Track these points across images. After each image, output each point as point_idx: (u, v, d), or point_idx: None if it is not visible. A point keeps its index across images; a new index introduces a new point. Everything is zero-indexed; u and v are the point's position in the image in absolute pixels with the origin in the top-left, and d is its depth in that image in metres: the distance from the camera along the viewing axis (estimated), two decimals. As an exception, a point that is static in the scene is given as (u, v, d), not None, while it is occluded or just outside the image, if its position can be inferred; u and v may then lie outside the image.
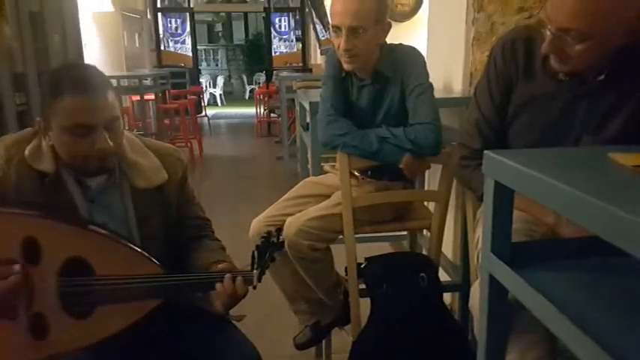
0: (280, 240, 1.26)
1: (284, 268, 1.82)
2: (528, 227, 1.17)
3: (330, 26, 1.67)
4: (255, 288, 1.17)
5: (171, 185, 1.30)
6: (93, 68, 1.19)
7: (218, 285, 1.15)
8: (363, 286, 1.76)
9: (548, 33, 1.07)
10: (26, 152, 1.17)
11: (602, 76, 1.14)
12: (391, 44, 1.73)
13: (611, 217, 0.62)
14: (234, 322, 1.29)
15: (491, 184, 0.89)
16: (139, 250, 1.17)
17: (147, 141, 1.34)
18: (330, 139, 1.69)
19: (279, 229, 1.38)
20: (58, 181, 1.18)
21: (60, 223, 1.13)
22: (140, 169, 1.25)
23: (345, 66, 1.68)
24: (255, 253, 1.19)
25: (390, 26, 1.69)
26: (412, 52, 1.72)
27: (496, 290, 0.91)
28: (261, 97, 8.43)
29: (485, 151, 0.91)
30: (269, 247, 1.21)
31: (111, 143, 1.14)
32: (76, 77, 1.13)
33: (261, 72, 12.89)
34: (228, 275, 1.15)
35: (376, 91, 1.72)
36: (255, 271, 1.17)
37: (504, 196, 0.88)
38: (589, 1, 0.99)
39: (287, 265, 1.80)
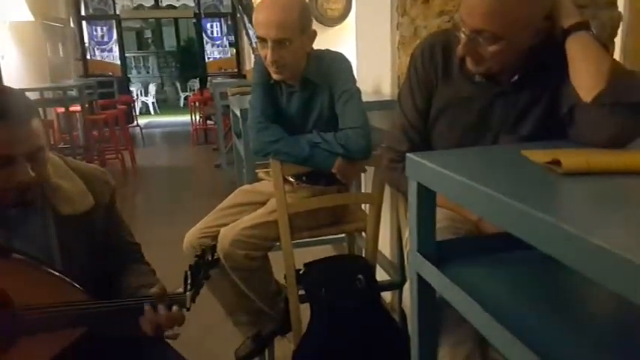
0: (215, 258, 1.23)
1: (221, 280, 1.78)
2: (454, 225, 1.21)
3: (257, 38, 1.65)
4: (188, 310, 1.13)
5: (98, 210, 1.22)
6: (15, 94, 1.09)
7: (148, 310, 1.10)
8: (303, 292, 1.76)
9: (462, 35, 1.12)
10: None
11: (516, 77, 1.19)
12: (317, 51, 1.75)
13: (524, 216, 0.65)
14: (168, 341, 1.25)
15: (414, 185, 0.91)
16: (62, 276, 1.10)
17: (71, 162, 1.25)
18: (261, 146, 1.68)
19: (214, 247, 1.34)
20: None
21: None
22: (64, 194, 1.16)
23: (274, 76, 1.68)
24: (188, 273, 1.15)
25: (315, 34, 1.70)
26: (338, 57, 1.73)
27: (424, 288, 0.94)
28: (196, 104, 8.26)
29: (408, 154, 0.93)
30: (203, 266, 1.17)
31: (33, 174, 1.05)
32: None
33: (195, 78, 12.65)
34: (160, 303, 1.10)
35: (305, 98, 1.73)
36: (188, 293, 1.13)
37: (427, 197, 0.91)
38: (499, 4, 1.04)
39: (224, 277, 1.76)
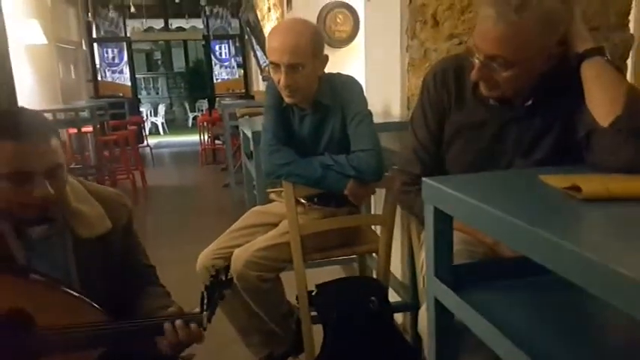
0: (229, 277, 1.24)
1: (234, 301, 1.78)
2: (469, 248, 1.21)
3: (269, 63, 1.68)
4: (205, 330, 1.14)
5: (116, 233, 1.25)
6: (35, 114, 1.14)
7: (167, 328, 1.11)
8: (315, 313, 1.75)
9: (476, 61, 1.13)
10: None
11: (530, 102, 1.20)
12: (329, 74, 1.77)
13: (545, 243, 0.65)
14: (183, 362, 1.25)
15: (431, 210, 0.92)
16: (81, 297, 1.11)
17: (89, 186, 1.28)
18: (273, 168, 1.69)
19: (228, 267, 1.35)
20: None
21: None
22: (83, 217, 1.19)
23: (287, 100, 1.70)
24: (204, 294, 1.16)
25: (327, 59, 1.73)
26: (350, 81, 1.76)
27: (442, 313, 0.94)
28: (205, 124, 8.33)
29: (424, 179, 0.94)
30: (218, 286, 1.19)
31: (52, 191, 1.08)
32: (15, 123, 1.07)
33: (204, 99, 12.78)
34: (179, 321, 1.12)
35: (317, 121, 1.75)
36: (204, 312, 1.14)
37: (444, 222, 0.91)
38: (512, 30, 1.05)
39: (237, 298, 1.76)
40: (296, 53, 1.60)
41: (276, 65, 1.64)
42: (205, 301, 1.16)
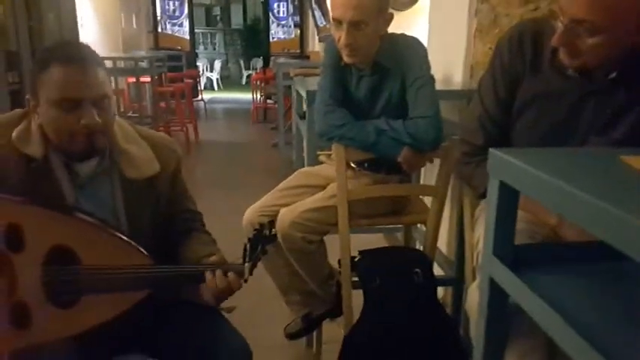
0: (273, 233, 1.22)
1: (277, 259, 1.79)
2: (530, 228, 1.14)
3: (330, 17, 1.61)
4: (246, 281, 1.14)
5: (163, 177, 1.26)
6: (85, 45, 1.17)
7: (208, 276, 1.12)
8: (355, 278, 1.73)
9: (559, 24, 1.03)
10: (14, 134, 1.13)
11: (613, 75, 1.10)
12: (392, 34, 1.69)
13: (620, 223, 0.58)
14: (224, 313, 1.26)
15: (496, 184, 0.85)
16: (127, 239, 1.13)
17: (141, 130, 1.29)
18: (327, 129, 1.65)
19: (272, 222, 1.35)
20: (46, 165, 1.14)
21: (46, 210, 1.09)
22: (131, 158, 1.20)
23: (346, 59, 1.64)
24: (247, 245, 1.16)
25: (392, 17, 1.64)
26: (414, 43, 1.67)
27: (496, 294, 0.88)
28: (258, 82, 8.33)
29: (491, 150, 0.87)
30: (261, 240, 1.18)
31: (98, 120, 1.10)
32: (66, 50, 1.11)
33: (259, 57, 12.76)
34: (219, 270, 1.12)
35: (375, 82, 1.68)
36: (246, 264, 1.13)
37: (509, 197, 0.85)
38: None
39: (280, 257, 1.77)
40: (360, 10, 1.53)
41: (338, 22, 1.58)
42: (248, 252, 1.15)
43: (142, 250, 1.14)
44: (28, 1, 3.66)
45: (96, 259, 1.09)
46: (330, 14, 1.61)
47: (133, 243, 1.13)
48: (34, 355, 1.08)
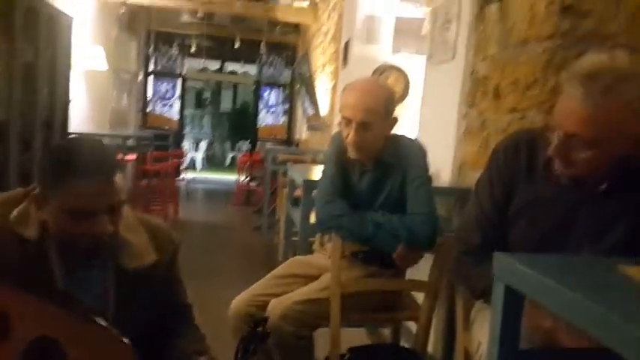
0: (267, 330, 1.19)
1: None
2: (527, 332, 1.13)
3: (341, 117, 1.71)
4: None
5: (159, 267, 1.22)
6: (102, 149, 1.15)
7: None
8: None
9: (555, 137, 1.10)
10: (13, 215, 1.10)
11: (604, 186, 1.15)
12: (395, 135, 1.79)
13: (625, 332, 0.59)
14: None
15: (501, 288, 0.86)
16: (115, 333, 1.08)
17: (142, 217, 1.27)
18: (327, 218, 1.68)
19: (266, 319, 1.30)
20: (40, 248, 1.10)
21: (37, 299, 1.04)
22: (130, 247, 1.17)
23: (351, 155, 1.72)
24: (241, 346, 1.12)
25: (396, 121, 1.75)
26: (415, 144, 1.78)
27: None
28: (245, 164, 8.41)
29: (496, 254, 0.89)
30: (254, 339, 1.14)
31: (111, 227, 1.08)
32: (86, 161, 1.06)
33: (245, 140, 13.03)
34: None
35: (377, 178, 1.75)
36: None
37: (516, 302, 0.85)
38: (598, 111, 1.02)
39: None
40: (369, 112, 1.63)
41: (348, 121, 1.67)
42: (240, 354, 1.11)
43: (129, 344, 1.08)
44: (27, 73, 3.73)
45: (82, 352, 1.03)
46: (340, 112, 1.71)
47: (122, 339, 1.07)
48: None
